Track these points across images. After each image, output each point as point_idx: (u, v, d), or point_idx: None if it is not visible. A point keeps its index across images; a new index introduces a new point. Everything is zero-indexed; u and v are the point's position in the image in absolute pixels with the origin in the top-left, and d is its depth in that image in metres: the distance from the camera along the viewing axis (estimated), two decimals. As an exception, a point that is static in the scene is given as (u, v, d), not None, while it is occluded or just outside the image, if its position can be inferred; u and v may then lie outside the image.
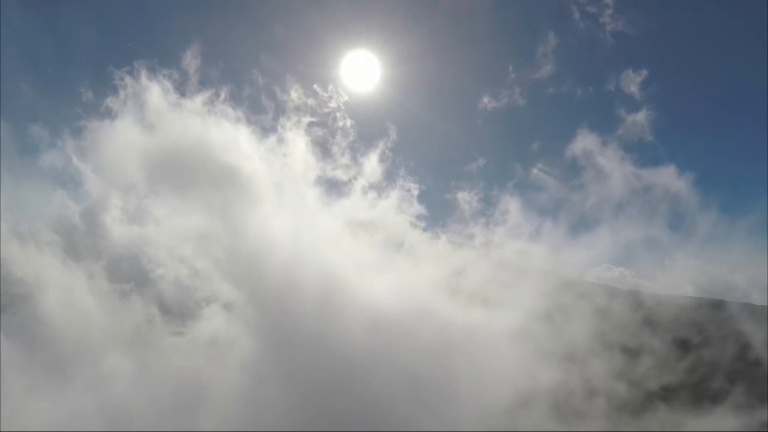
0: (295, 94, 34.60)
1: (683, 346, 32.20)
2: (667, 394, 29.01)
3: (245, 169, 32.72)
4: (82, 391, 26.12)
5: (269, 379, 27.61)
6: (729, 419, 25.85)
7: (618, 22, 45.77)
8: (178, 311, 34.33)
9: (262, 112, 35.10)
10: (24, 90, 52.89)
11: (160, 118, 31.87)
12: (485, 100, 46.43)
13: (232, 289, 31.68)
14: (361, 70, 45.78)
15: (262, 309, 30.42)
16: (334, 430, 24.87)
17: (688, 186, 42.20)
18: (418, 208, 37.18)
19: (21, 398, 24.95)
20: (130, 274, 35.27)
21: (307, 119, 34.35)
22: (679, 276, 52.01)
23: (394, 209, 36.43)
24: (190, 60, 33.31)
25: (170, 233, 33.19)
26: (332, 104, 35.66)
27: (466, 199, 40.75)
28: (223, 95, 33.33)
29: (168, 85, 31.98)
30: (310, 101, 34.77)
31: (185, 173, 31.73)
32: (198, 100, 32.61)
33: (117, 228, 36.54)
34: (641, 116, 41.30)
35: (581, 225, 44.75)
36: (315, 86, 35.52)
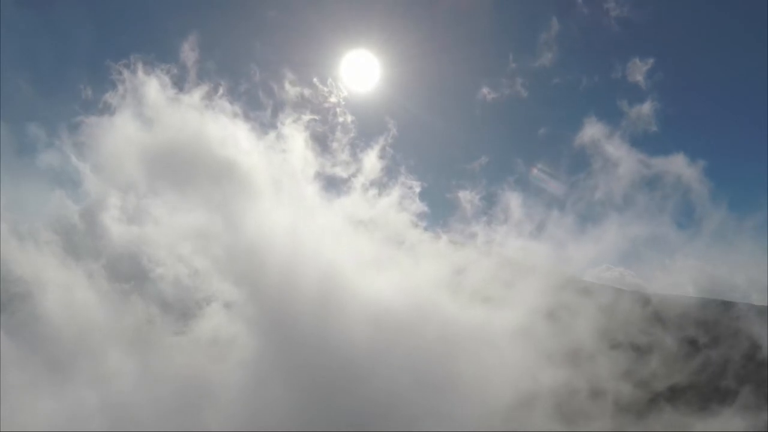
0: (294, 89, 34.25)
1: (690, 345, 31.85)
2: (673, 395, 28.71)
3: (244, 165, 32.46)
4: (83, 390, 26.14)
5: (270, 378, 27.55)
6: (736, 420, 25.58)
7: (623, 8, 44.36)
8: (178, 310, 34.26)
9: (261, 108, 34.82)
10: (20, 87, 52.77)
11: (157, 113, 31.59)
12: (485, 91, 45.63)
13: (232, 288, 31.57)
14: (361, 67, 45.23)
15: (263, 307, 30.29)
16: (336, 428, 24.78)
17: (692, 183, 41.08)
18: (419, 206, 36.82)
19: (21, 397, 24.97)
20: (130, 274, 35.22)
21: (306, 115, 33.99)
22: (680, 276, 51.35)
23: (395, 207, 36.08)
24: (188, 54, 32.98)
25: (169, 232, 33.02)
26: (332, 99, 35.29)
27: (467, 198, 40.33)
28: (221, 90, 33.01)
29: (166, 79, 31.66)
30: (310, 95, 34.40)
31: (184, 169, 31.51)
32: (196, 95, 32.27)
33: (116, 227, 36.38)
34: (647, 107, 40.38)
35: (584, 222, 44.19)
36: (314, 80, 35.18)
